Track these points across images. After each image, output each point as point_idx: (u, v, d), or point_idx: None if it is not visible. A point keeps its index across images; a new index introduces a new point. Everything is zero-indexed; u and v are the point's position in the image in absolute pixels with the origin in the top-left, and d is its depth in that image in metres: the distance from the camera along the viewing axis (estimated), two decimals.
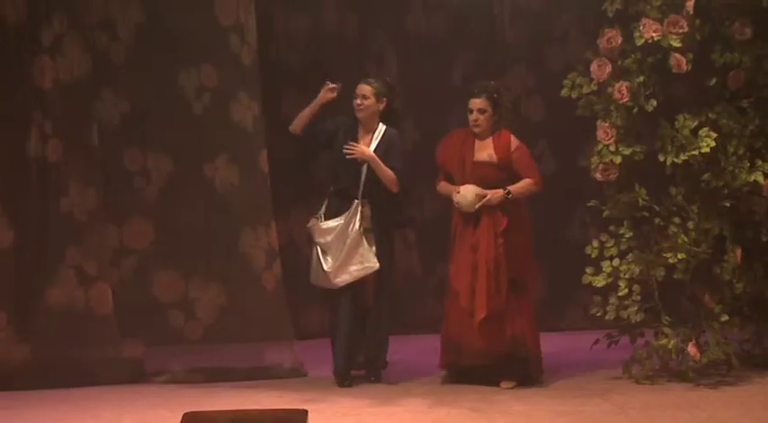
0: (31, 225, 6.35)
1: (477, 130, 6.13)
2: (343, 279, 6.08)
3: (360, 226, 6.09)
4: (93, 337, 6.33)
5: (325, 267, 6.10)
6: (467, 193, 6.03)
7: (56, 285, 6.32)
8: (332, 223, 6.13)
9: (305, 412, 5.19)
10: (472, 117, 6.13)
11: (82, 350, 6.32)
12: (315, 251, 6.19)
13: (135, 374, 6.39)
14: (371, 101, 6.17)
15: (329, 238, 6.11)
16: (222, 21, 6.44)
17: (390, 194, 6.17)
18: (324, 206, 6.23)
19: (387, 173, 6.11)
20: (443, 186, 6.27)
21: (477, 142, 6.15)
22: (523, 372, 6.07)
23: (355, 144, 6.15)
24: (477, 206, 6.01)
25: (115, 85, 6.48)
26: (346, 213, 6.12)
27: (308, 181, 7.43)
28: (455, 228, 6.21)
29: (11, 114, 6.33)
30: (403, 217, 6.33)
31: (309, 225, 6.24)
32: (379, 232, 6.16)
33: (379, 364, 6.27)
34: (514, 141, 6.13)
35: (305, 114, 6.28)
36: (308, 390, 6.10)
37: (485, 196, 6.01)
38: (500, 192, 6.03)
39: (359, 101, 6.17)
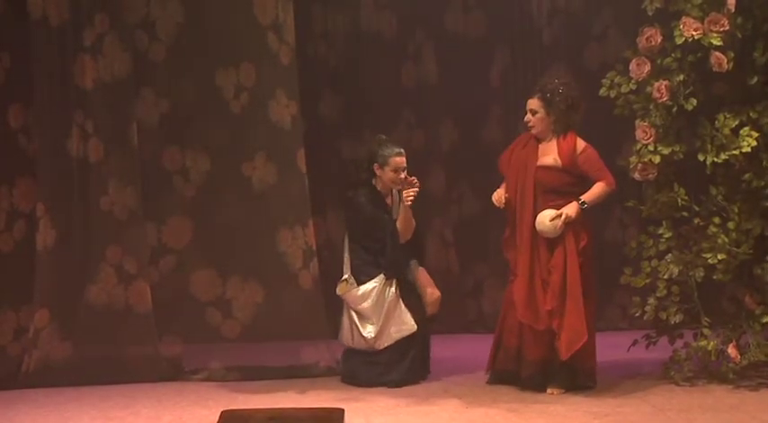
0: (73, 224, 6.42)
1: (532, 131, 5.94)
2: (383, 343, 6.09)
3: (396, 289, 6.10)
4: (133, 335, 6.40)
5: (364, 334, 6.08)
6: (544, 220, 5.75)
7: (96, 283, 6.39)
8: (368, 287, 6.09)
9: (341, 411, 5.22)
10: (525, 118, 5.97)
11: (121, 348, 6.39)
12: (349, 316, 6.14)
13: (173, 372, 6.43)
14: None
15: (366, 305, 6.08)
16: (261, 20, 6.47)
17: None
18: (349, 266, 6.17)
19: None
20: (496, 194, 5.99)
21: (541, 146, 5.92)
22: (574, 380, 5.90)
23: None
24: (559, 227, 5.75)
25: (154, 85, 6.54)
26: (379, 277, 6.09)
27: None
28: (510, 238, 5.97)
29: (53, 114, 6.41)
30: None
31: (341, 293, 6.16)
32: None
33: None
34: (581, 143, 5.85)
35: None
36: (344, 389, 6.11)
37: (560, 216, 5.72)
38: (575, 204, 5.77)
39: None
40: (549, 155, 5.88)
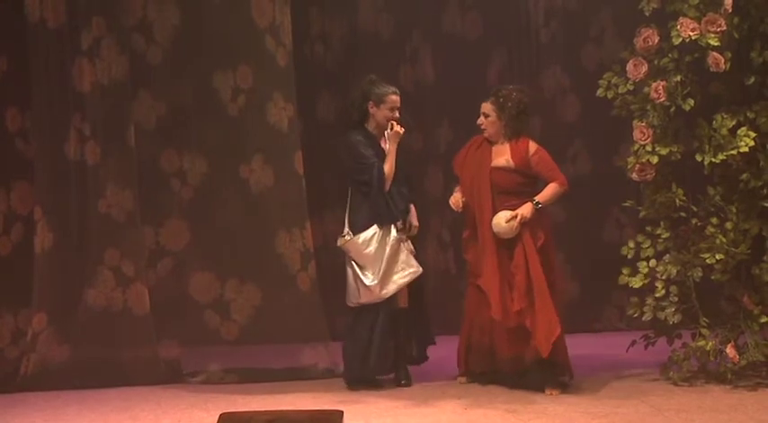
0: (71, 227, 6.43)
1: (484, 134, 6.08)
2: (389, 290, 6.01)
3: (397, 233, 6.05)
4: (131, 338, 6.40)
5: (366, 282, 5.98)
6: (500, 222, 5.86)
7: (94, 286, 6.38)
8: (368, 233, 6.01)
9: (340, 413, 5.21)
10: (478, 121, 6.09)
11: (119, 350, 6.39)
12: (352, 271, 6.05)
13: (172, 375, 6.43)
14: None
15: (368, 251, 6.00)
16: (258, 22, 6.47)
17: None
18: (348, 220, 6.09)
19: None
20: (453, 199, 6.13)
21: (494, 148, 6.05)
22: (553, 376, 5.94)
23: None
24: (515, 228, 5.84)
25: (152, 88, 6.55)
26: (378, 223, 6.03)
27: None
28: (470, 239, 6.07)
29: (50, 117, 6.41)
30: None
31: (341, 244, 6.09)
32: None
33: (406, 362, 6.24)
34: (532, 146, 6.00)
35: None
36: (343, 391, 6.11)
37: (516, 217, 5.86)
38: (529, 205, 5.90)
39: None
40: (502, 156, 6.02)
